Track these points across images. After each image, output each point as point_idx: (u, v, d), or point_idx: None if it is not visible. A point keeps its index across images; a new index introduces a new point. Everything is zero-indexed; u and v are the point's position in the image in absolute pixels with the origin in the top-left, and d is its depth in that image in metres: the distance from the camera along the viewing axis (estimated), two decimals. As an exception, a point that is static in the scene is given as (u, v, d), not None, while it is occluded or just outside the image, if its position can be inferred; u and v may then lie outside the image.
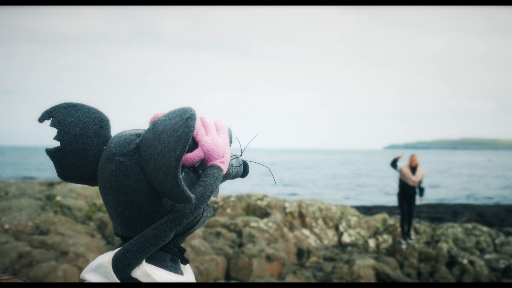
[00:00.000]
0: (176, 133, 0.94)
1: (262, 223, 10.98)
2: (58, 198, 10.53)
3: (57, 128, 1.09)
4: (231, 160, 1.15)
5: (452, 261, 10.22)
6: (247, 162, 1.22)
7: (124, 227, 1.06)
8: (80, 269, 7.77)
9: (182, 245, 1.23)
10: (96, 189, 11.71)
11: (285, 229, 11.43)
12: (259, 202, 12.47)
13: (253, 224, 10.86)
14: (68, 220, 9.55)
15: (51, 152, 1.10)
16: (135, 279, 1.01)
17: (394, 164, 10.77)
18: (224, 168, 1.06)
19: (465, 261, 10.03)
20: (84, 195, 11.08)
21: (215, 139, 1.07)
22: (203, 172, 1.06)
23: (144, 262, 1.02)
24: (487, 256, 10.48)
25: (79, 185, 11.78)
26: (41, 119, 1.11)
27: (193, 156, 1.06)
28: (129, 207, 1.03)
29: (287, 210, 12.20)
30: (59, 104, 1.12)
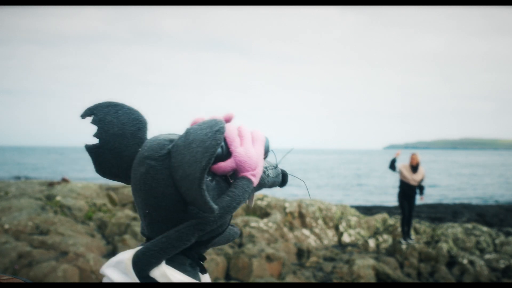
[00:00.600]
0: (204, 144, 0.96)
1: (262, 223, 10.98)
2: (58, 198, 10.53)
3: (97, 126, 1.13)
4: (267, 170, 1.16)
5: (452, 261, 10.22)
6: (287, 172, 1.24)
7: (150, 229, 1.08)
8: (80, 269, 7.78)
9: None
10: (96, 189, 11.71)
11: (285, 229, 11.43)
12: (259, 202, 12.47)
13: (253, 224, 10.86)
14: (68, 220, 9.56)
15: (90, 149, 1.14)
16: (153, 279, 1.02)
17: (392, 165, 10.74)
18: (255, 180, 1.07)
19: (465, 261, 10.03)
20: (84, 195, 11.08)
21: (249, 151, 1.07)
22: (233, 182, 1.07)
23: (163, 263, 1.03)
24: (487, 256, 10.48)
25: (79, 185, 11.77)
26: (83, 116, 1.14)
27: (226, 165, 1.06)
28: (156, 210, 1.05)
29: (287, 210, 12.20)
30: (102, 103, 1.16)
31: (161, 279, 1.02)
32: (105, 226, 9.84)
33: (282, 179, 1.22)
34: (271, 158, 1.22)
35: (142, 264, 1.02)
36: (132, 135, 1.13)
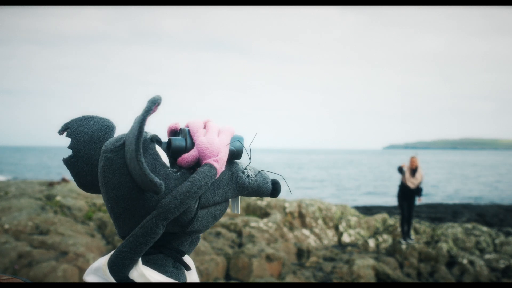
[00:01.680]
0: (137, 118, 0.98)
1: (262, 223, 10.98)
2: (58, 198, 10.53)
3: (70, 138, 1.18)
4: (245, 170, 1.15)
5: (452, 261, 10.22)
6: (278, 180, 1.22)
7: (117, 225, 1.08)
8: (80, 269, 7.78)
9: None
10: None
11: (285, 229, 11.43)
12: (259, 202, 12.48)
13: (253, 224, 10.86)
14: (68, 220, 9.56)
15: (66, 161, 1.19)
16: (132, 280, 1.02)
17: (400, 170, 10.83)
18: (217, 166, 1.06)
19: (465, 261, 10.03)
20: (84, 195, 11.09)
21: (211, 139, 1.08)
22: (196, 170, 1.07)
23: (140, 263, 1.03)
24: (487, 256, 10.48)
25: (79, 185, 11.77)
26: (60, 131, 1.20)
27: (189, 156, 1.07)
28: (116, 203, 1.05)
29: (287, 210, 12.20)
30: (77, 117, 1.21)
31: (139, 280, 1.02)
32: (105, 226, 9.85)
33: (274, 188, 1.20)
34: (245, 155, 1.19)
35: (117, 267, 1.01)
36: (99, 139, 1.17)
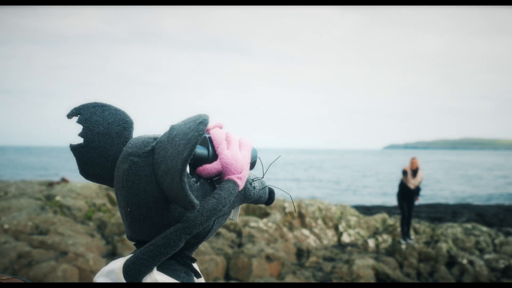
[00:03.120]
0: (186, 136, 0.95)
1: (261, 223, 10.98)
2: (57, 198, 10.53)
3: (83, 125, 1.13)
4: (253, 182, 1.16)
5: (451, 261, 10.22)
6: (273, 189, 1.23)
7: (132, 229, 1.07)
8: (80, 269, 7.78)
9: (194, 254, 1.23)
10: (95, 189, 11.71)
11: (285, 229, 11.43)
12: (258, 202, 12.48)
13: (252, 224, 10.86)
14: (68, 220, 9.55)
15: (74, 148, 1.13)
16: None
17: (405, 173, 10.84)
18: (241, 184, 1.06)
19: (464, 261, 10.03)
20: (83, 195, 11.08)
21: (235, 154, 1.07)
22: (219, 185, 1.06)
23: (155, 270, 1.03)
24: (487, 256, 10.48)
25: (79, 185, 11.77)
26: (69, 115, 1.14)
27: (211, 167, 1.06)
28: (138, 208, 1.04)
29: (287, 210, 12.21)
30: (88, 103, 1.16)
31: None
32: (104, 226, 9.84)
33: (269, 197, 1.22)
34: (258, 169, 1.21)
35: (132, 273, 1.01)
36: (117, 134, 1.13)
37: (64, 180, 13.26)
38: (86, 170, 1.15)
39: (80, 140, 1.13)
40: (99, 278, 1.06)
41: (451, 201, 27.78)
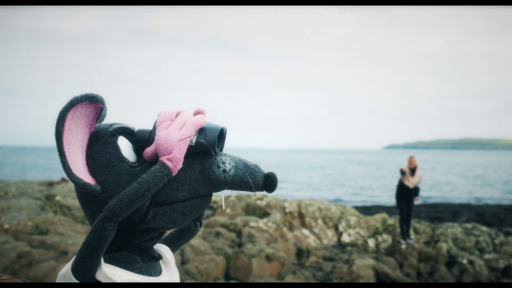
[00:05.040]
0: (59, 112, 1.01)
1: (261, 223, 10.98)
2: (57, 198, 10.53)
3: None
4: (222, 164, 1.06)
5: (451, 261, 10.22)
6: (272, 174, 1.09)
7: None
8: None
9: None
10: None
11: (285, 229, 11.43)
12: (258, 202, 12.47)
13: (252, 224, 10.86)
14: (68, 220, 9.55)
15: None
16: (98, 281, 1.02)
17: (403, 173, 10.85)
18: (171, 165, 1.00)
19: (464, 261, 10.03)
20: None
21: (169, 134, 1.02)
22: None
23: (103, 263, 1.02)
24: (487, 256, 10.48)
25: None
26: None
27: (148, 150, 1.04)
28: (81, 206, 1.09)
29: (287, 210, 12.20)
30: None
31: (105, 281, 1.01)
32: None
33: (266, 183, 1.08)
34: (229, 146, 1.13)
35: (80, 272, 1.00)
36: None
37: (64, 180, 13.26)
38: None
39: None
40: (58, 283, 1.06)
41: (451, 201, 27.77)
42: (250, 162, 1.10)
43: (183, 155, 1.02)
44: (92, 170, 1.03)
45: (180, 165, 1.02)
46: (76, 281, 1.01)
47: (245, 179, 1.06)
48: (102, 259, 1.02)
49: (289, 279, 8.69)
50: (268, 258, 9.05)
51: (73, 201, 10.50)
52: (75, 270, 1.01)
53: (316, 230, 12.09)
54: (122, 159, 1.04)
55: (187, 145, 1.03)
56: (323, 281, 8.94)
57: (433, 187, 39.44)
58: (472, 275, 9.72)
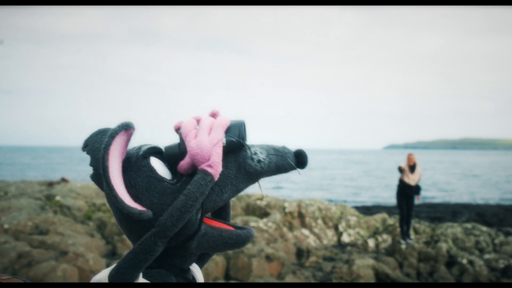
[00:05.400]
0: (94, 152, 1.03)
1: (261, 223, 10.98)
2: (57, 198, 10.52)
3: (90, 155, 1.13)
4: (254, 155, 1.07)
5: (451, 261, 10.22)
6: (301, 150, 1.11)
7: (130, 241, 1.10)
8: (80, 269, 7.77)
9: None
10: (95, 188, 11.70)
11: (285, 229, 11.43)
12: (258, 202, 12.47)
13: (252, 224, 10.86)
14: (68, 220, 9.55)
15: (92, 178, 1.15)
16: None
17: (401, 170, 10.85)
18: (212, 171, 1.01)
19: (464, 261, 10.03)
20: (83, 195, 11.08)
21: (200, 142, 1.02)
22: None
23: (140, 278, 1.02)
24: (487, 256, 10.48)
25: (79, 185, 11.76)
26: (83, 148, 1.15)
27: (183, 163, 1.04)
28: (121, 224, 1.07)
29: (287, 210, 12.20)
30: (93, 132, 1.16)
31: None
32: (104, 226, 9.84)
33: (298, 160, 1.11)
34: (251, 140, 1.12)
35: (117, 281, 1.00)
36: None
37: (64, 180, 13.26)
38: None
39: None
40: None
41: (451, 201, 27.77)
42: (277, 145, 1.12)
43: (221, 158, 1.03)
44: (135, 197, 1.02)
45: (220, 169, 1.03)
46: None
47: (280, 163, 1.09)
48: (141, 274, 1.02)
49: (289, 279, 8.70)
50: (268, 258, 9.05)
51: (73, 201, 10.50)
52: (112, 278, 1.00)
53: (316, 230, 12.09)
54: (160, 179, 1.04)
55: (222, 148, 1.04)
56: (323, 281, 8.94)
57: (433, 187, 39.45)
58: (472, 275, 9.72)
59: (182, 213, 0.99)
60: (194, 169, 1.04)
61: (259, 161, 1.07)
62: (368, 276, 9.10)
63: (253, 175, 1.08)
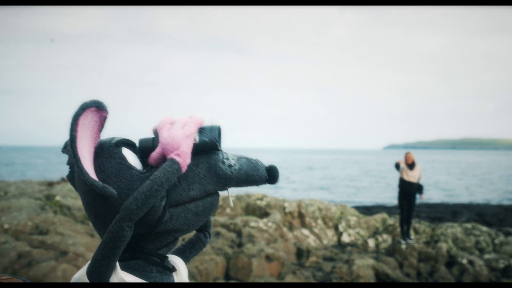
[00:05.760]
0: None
1: (261, 223, 10.98)
2: (57, 198, 10.53)
3: (67, 154, 1.17)
4: (226, 160, 1.09)
5: (451, 261, 10.22)
6: (273, 166, 1.14)
7: (97, 232, 1.10)
8: (80, 269, 7.77)
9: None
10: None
11: (285, 229, 11.43)
12: (258, 202, 12.47)
13: (252, 224, 10.86)
14: (68, 220, 9.55)
15: (68, 178, 1.17)
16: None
17: (397, 166, 10.84)
18: (180, 160, 1.02)
19: (464, 261, 10.03)
20: (83, 195, 11.08)
21: (173, 133, 1.05)
22: None
23: (118, 269, 1.02)
24: (487, 256, 10.48)
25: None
26: (62, 150, 1.20)
27: (154, 154, 1.06)
28: (88, 211, 1.08)
29: (287, 210, 12.20)
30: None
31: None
32: (104, 226, 9.85)
33: (269, 174, 1.12)
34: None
35: (95, 275, 1.00)
36: None
37: (64, 180, 13.26)
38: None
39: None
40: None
41: (451, 201, 27.77)
42: (250, 157, 1.13)
43: (190, 150, 1.05)
44: (103, 181, 1.03)
45: (188, 160, 1.04)
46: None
47: (250, 172, 1.10)
48: (118, 264, 1.02)
49: (289, 279, 8.69)
50: (268, 258, 9.05)
51: (73, 201, 10.50)
52: (90, 273, 1.01)
53: (316, 230, 12.09)
54: (130, 167, 1.05)
55: (193, 141, 1.05)
56: (323, 281, 8.94)
57: (433, 187, 39.44)
58: (472, 275, 9.72)
59: (147, 197, 0.99)
60: (163, 160, 1.06)
61: (230, 165, 1.08)
62: (368, 276, 9.10)
63: (223, 179, 1.08)
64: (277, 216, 11.67)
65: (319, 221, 12.39)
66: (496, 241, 11.63)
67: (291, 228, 11.75)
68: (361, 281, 8.99)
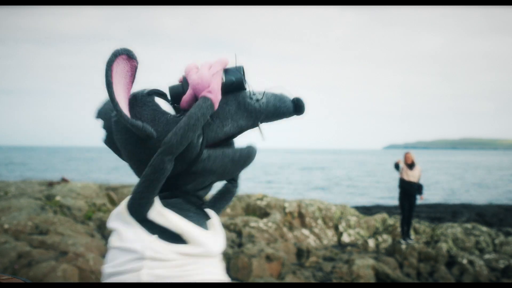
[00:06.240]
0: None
1: (261, 223, 10.98)
2: (57, 198, 10.52)
3: (101, 119, 1.23)
4: (253, 95, 1.15)
5: (451, 261, 10.22)
6: (299, 98, 1.19)
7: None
8: (80, 269, 7.77)
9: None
10: (95, 188, 11.71)
11: (285, 229, 11.43)
12: (258, 202, 12.47)
13: (252, 224, 10.86)
14: (68, 220, 9.55)
15: (105, 141, 1.23)
16: (151, 220, 1.06)
17: (396, 166, 10.85)
18: (212, 96, 1.08)
19: (464, 261, 10.03)
20: (83, 195, 11.08)
21: (201, 73, 1.10)
22: None
23: (158, 203, 1.07)
24: (487, 256, 10.48)
25: (79, 185, 11.76)
26: (96, 116, 1.25)
27: (186, 96, 1.12)
28: (131, 159, 1.13)
29: (287, 210, 12.20)
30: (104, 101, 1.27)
31: (158, 219, 1.05)
32: (104, 226, 9.84)
33: (296, 105, 1.18)
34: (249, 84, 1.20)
35: (135, 208, 1.05)
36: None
37: (64, 180, 13.26)
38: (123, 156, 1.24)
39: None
40: (111, 223, 1.10)
41: (451, 201, 27.77)
42: (275, 91, 1.20)
43: (220, 87, 1.10)
44: None
45: (219, 96, 1.10)
46: (129, 218, 1.05)
47: (277, 105, 1.16)
48: (158, 199, 1.07)
49: (289, 279, 8.70)
50: (268, 258, 9.05)
51: (73, 201, 10.50)
52: (130, 205, 1.06)
53: (316, 230, 12.09)
54: (164, 112, 1.11)
55: (221, 78, 1.12)
56: (323, 281, 8.94)
57: (433, 187, 39.44)
58: (472, 275, 9.72)
59: (185, 131, 1.04)
60: (196, 101, 1.11)
61: (257, 100, 1.15)
62: (368, 276, 9.10)
63: (252, 113, 1.15)
64: (277, 216, 11.67)
65: (319, 221, 12.39)
66: (496, 241, 11.64)
67: (291, 228, 11.76)
68: (361, 281, 8.99)
